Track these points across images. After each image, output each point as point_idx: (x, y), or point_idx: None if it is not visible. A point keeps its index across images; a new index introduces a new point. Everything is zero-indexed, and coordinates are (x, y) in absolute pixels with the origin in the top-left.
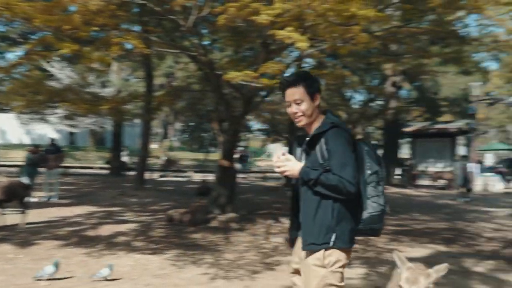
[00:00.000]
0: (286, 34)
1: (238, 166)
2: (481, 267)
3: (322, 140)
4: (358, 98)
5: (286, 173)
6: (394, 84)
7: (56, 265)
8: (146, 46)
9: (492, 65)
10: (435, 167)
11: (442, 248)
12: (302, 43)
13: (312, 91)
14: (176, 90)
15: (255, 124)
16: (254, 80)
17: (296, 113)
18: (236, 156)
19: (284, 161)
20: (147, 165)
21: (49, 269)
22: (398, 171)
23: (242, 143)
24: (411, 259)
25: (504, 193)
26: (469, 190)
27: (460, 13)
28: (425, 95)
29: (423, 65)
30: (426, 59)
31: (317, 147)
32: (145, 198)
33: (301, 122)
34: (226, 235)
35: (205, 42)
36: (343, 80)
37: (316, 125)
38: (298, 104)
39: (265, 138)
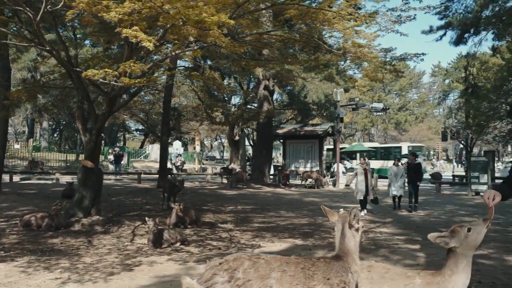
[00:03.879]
0: (133, 33)
1: (111, 167)
2: None
3: None
4: (235, 100)
5: None
6: (266, 88)
7: None
8: None
9: (357, 74)
10: (304, 167)
11: (299, 242)
12: (149, 43)
13: None
14: (36, 86)
15: (133, 124)
16: (115, 79)
17: None
18: (110, 157)
19: None
20: (6, 166)
21: None
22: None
23: (118, 143)
24: (268, 253)
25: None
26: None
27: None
28: (295, 99)
29: (291, 70)
30: (292, 65)
31: None
32: (1, 203)
33: None
34: (89, 238)
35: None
36: (215, 82)
37: None
38: None
39: (143, 139)
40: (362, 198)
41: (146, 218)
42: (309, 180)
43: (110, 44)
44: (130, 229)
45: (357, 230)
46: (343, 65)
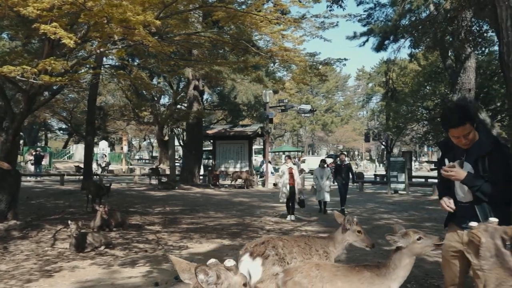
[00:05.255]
0: (52, 29)
1: (31, 168)
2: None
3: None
4: (165, 100)
5: (452, 177)
6: (196, 88)
7: None
8: None
9: (286, 76)
10: (234, 167)
11: (227, 242)
12: (69, 40)
13: (474, 122)
14: None
15: (56, 123)
16: (34, 76)
17: (465, 142)
18: (30, 157)
19: (452, 169)
20: None
21: None
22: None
23: (39, 143)
24: (196, 254)
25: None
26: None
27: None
28: (226, 100)
29: (220, 71)
30: (221, 66)
31: (479, 161)
32: None
33: (467, 146)
34: (5, 244)
35: None
36: (142, 81)
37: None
38: (466, 136)
39: (67, 138)
40: (285, 200)
41: (69, 222)
42: (239, 180)
43: (30, 39)
44: (50, 233)
45: (347, 230)
46: (272, 67)
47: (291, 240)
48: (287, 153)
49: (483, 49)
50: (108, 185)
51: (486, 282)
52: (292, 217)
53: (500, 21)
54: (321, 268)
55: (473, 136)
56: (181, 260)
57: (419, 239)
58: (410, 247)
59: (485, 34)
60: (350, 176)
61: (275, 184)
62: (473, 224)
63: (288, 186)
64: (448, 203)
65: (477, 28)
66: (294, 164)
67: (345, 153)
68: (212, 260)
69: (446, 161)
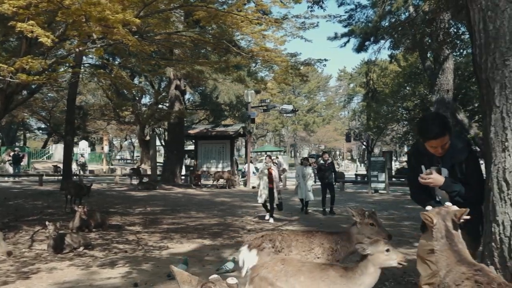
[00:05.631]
0: (29, 27)
1: (9, 168)
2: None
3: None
4: (146, 100)
5: (431, 184)
6: (177, 88)
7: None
8: None
9: (268, 76)
10: (216, 167)
11: (207, 242)
12: (46, 39)
13: (451, 131)
14: None
15: (35, 123)
16: (11, 75)
17: (442, 152)
18: (8, 158)
19: (430, 176)
20: None
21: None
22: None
23: (17, 143)
24: (176, 254)
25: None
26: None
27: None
28: (208, 99)
29: (202, 71)
30: (202, 65)
31: (456, 166)
32: None
33: (443, 153)
34: None
35: None
36: (123, 80)
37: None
38: (444, 146)
39: (46, 138)
40: (263, 201)
41: (47, 222)
42: (221, 180)
43: (7, 37)
44: (28, 234)
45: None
46: (254, 67)
47: (292, 235)
48: (268, 153)
49: (461, 50)
50: (89, 185)
51: (437, 265)
52: (271, 220)
53: (473, 24)
54: (286, 263)
55: (448, 144)
56: (182, 271)
57: (387, 250)
58: (375, 256)
59: (462, 36)
60: (336, 175)
61: (253, 187)
62: (428, 207)
63: (266, 186)
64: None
65: (455, 30)
66: (276, 163)
67: (328, 152)
68: (214, 276)
69: (423, 168)
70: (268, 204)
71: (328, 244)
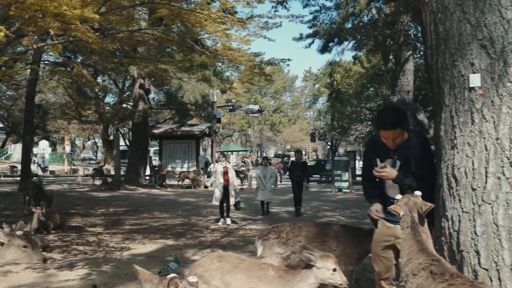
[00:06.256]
0: None
1: None
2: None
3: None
4: (110, 99)
5: (385, 177)
6: (142, 87)
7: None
8: None
9: (234, 75)
10: (181, 167)
11: (170, 242)
12: None
13: (405, 127)
14: None
15: None
16: None
17: (392, 145)
18: None
19: (384, 169)
20: None
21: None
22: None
23: None
24: (138, 255)
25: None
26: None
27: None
28: (173, 99)
29: (166, 70)
30: (166, 64)
31: (410, 159)
32: None
33: (394, 147)
34: None
35: None
36: (84, 79)
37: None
38: (394, 139)
39: (4, 138)
40: (218, 203)
41: (3, 225)
42: (186, 180)
43: None
44: None
45: None
46: (220, 67)
47: (304, 227)
48: (224, 153)
49: (421, 53)
50: (50, 195)
51: (400, 253)
52: (228, 221)
53: (425, 25)
54: (223, 260)
55: (400, 140)
56: (145, 270)
57: (334, 270)
58: (321, 270)
59: (421, 38)
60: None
61: (206, 187)
62: (398, 197)
63: (221, 186)
64: (376, 213)
65: (414, 33)
66: (243, 162)
67: (301, 151)
68: (171, 275)
69: (378, 161)
70: (224, 205)
71: (349, 238)
